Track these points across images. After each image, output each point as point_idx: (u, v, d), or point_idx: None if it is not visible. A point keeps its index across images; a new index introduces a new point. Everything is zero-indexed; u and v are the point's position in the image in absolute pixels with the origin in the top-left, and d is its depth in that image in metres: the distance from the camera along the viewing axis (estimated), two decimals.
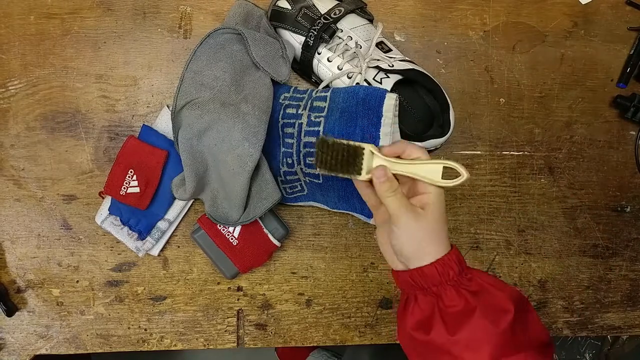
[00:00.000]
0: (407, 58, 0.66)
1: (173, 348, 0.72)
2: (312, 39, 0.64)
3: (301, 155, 0.61)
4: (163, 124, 0.69)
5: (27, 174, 0.70)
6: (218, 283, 0.71)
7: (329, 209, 0.69)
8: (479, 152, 0.74)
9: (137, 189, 0.66)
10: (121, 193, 0.66)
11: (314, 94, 0.63)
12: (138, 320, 0.71)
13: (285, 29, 0.66)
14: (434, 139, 0.65)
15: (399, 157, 0.51)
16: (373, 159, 0.51)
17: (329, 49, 0.65)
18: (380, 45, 0.65)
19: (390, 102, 0.58)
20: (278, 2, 0.67)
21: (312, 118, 0.61)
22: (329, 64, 0.65)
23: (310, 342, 0.74)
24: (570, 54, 0.75)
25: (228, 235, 0.67)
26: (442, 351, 0.45)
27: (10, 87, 0.69)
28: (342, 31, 0.65)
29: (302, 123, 0.62)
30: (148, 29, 0.70)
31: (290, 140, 0.63)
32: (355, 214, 0.67)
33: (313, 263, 0.72)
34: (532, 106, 0.74)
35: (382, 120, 0.57)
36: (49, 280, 0.70)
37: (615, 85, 0.75)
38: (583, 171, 0.75)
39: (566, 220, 0.75)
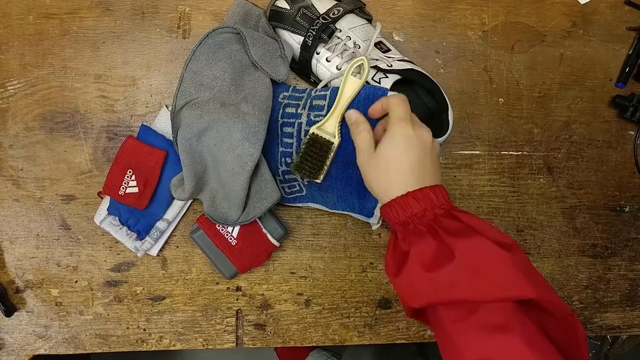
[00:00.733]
0: (405, 58, 0.66)
1: (172, 348, 0.72)
2: (310, 38, 0.64)
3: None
4: (162, 124, 0.69)
5: (25, 174, 0.70)
6: (217, 283, 0.71)
7: (328, 209, 0.69)
8: (477, 152, 0.74)
9: (136, 189, 0.66)
10: (120, 193, 0.66)
11: (313, 92, 0.63)
12: (137, 320, 0.71)
13: (284, 28, 0.66)
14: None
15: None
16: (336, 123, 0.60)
17: (327, 49, 0.65)
18: (379, 45, 0.65)
19: None
20: (277, 2, 0.67)
21: (312, 117, 0.61)
22: (327, 64, 0.65)
23: (309, 342, 0.74)
24: (569, 54, 0.75)
25: (227, 235, 0.67)
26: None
27: (9, 87, 0.69)
28: (340, 31, 0.65)
29: (301, 122, 0.62)
30: (147, 29, 0.70)
31: (289, 140, 0.63)
32: (354, 214, 0.67)
33: (312, 263, 0.72)
34: (531, 106, 0.74)
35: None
36: (48, 280, 0.70)
37: (614, 85, 0.75)
38: (582, 171, 0.75)
39: (565, 220, 0.75)
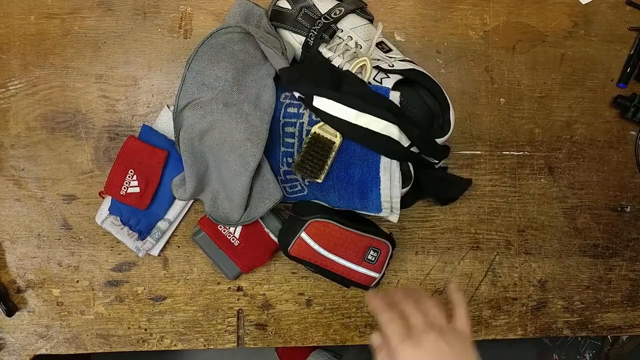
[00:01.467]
0: (407, 58, 0.66)
1: (173, 348, 0.72)
2: (312, 39, 0.64)
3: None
4: (163, 124, 0.69)
5: (27, 174, 0.70)
6: (218, 283, 0.71)
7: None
8: (479, 152, 0.74)
9: (137, 189, 0.66)
10: (121, 193, 0.66)
11: None
12: (138, 320, 0.71)
13: (286, 29, 0.66)
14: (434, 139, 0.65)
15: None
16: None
17: (329, 49, 0.65)
18: (380, 45, 0.65)
19: (396, 96, 0.59)
20: (278, 2, 0.67)
21: (314, 117, 0.61)
22: None
23: (311, 342, 0.74)
24: (570, 54, 0.75)
25: (229, 236, 0.67)
26: None
27: (10, 87, 0.69)
28: (342, 31, 0.65)
29: (303, 122, 0.62)
30: (148, 29, 0.70)
31: (290, 140, 0.63)
32: (358, 212, 0.67)
33: None
34: (532, 106, 0.74)
35: None
36: (49, 280, 0.70)
37: (615, 85, 0.75)
38: (583, 171, 0.75)
39: (566, 220, 0.75)
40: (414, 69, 0.63)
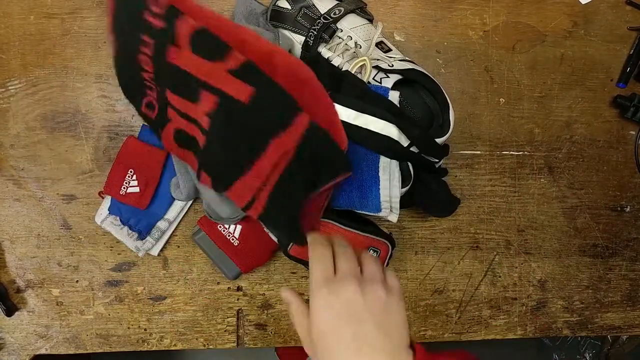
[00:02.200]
0: (407, 58, 0.66)
1: (173, 348, 0.72)
2: (312, 38, 0.64)
3: None
4: None
5: (26, 174, 0.70)
6: (218, 283, 0.71)
7: None
8: (478, 152, 0.74)
9: (137, 189, 0.66)
10: (121, 193, 0.66)
11: None
12: (138, 320, 0.71)
13: (285, 28, 0.66)
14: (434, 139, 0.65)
15: None
16: None
17: (328, 49, 0.65)
18: (380, 45, 0.65)
19: (395, 96, 0.59)
20: (278, 1, 0.67)
21: None
22: None
23: None
24: (570, 54, 0.75)
25: (229, 235, 0.67)
26: None
27: (10, 87, 0.69)
28: (342, 31, 0.65)
29: None
30: None
31: None
32: (357, 211, 0.67)
33: None
34: (532, 106, 0.74)
35: None
36: (49, 280, 0.70)
37: (615, 85, 0.75)
38: (583, 171, 0.75)
39: (566, 220, 0.75)
40: (413, 69, 0.63)
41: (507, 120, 0.74)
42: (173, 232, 0.70)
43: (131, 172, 0.66)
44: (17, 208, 0.70)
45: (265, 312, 0.72)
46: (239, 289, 0.72)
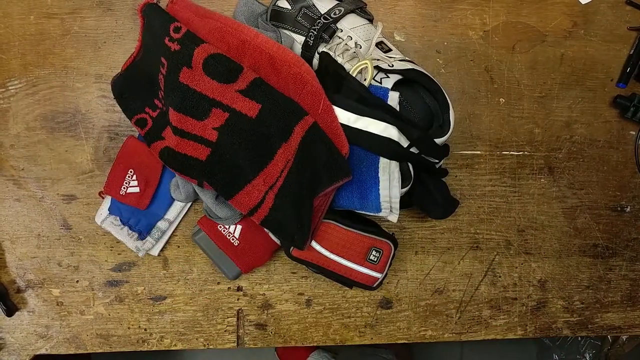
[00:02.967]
0: (407, 58, 0.66)
1: (173, 348, 0.72)
2: (312, 38, 0.64)
3: None
4: None
5: (27, 174, 0.70)
6: (218, 283, 0.71)
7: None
8: (478, 152, 0.74)
9: (137, 189, 0.66)
10: (121, 193, 0.66)
11: None
12: (138, 320, 0.71)
13: (285, 28, 0.66)
14: (434, 139, 0.65)
15: None
16: None
17: (328, 49, 0.65)
18: (380, 45, 0.65)
19: (395, 97, 0.59)
20: (278, 2, 0.67)
21: None
22: None
23: (310, 342, 0.74)
24: (570, 54, 0.75)
25: (229, 235, 0.67)
26: None
27: (10, 87, 0.69)
28: (342, 31, 0.65)
29: None
30: None
31: None
32: (357, 211, 0.67)
33: None
34: (532, 106, 0.74)
35: None
36: (49, 280, 0.70)
37: (615, 85, 0.75)
38: (583, 171, 0.75)
39: (566, 220, 0.75)
40: (413, 69, 0.63)
41: (507, 120, 0.74)
42: (173, 232, 0.70)
43: (131, 172, 0.66)
44: (17, 208, 0.70)
45: (266, 312, 0.72)
46: (239, 289, 0.72)
